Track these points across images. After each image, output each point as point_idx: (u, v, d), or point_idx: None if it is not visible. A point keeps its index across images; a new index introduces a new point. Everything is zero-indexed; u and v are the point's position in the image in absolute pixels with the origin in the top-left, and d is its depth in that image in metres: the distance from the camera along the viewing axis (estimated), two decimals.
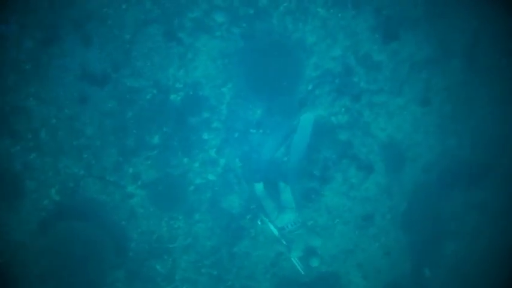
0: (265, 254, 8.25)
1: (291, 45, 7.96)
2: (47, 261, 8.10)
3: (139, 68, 7.66)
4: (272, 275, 8.37)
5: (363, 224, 8.44)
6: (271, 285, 8.46)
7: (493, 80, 8.89)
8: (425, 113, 8.76)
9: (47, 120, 7.90)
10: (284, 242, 7.31)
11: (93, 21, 7.49)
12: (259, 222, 7.81)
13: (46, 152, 7.96)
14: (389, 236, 8.75)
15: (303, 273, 7.54)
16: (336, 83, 8.16)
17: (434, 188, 9.14)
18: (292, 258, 7.46)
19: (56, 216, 8.03)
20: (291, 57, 8.02)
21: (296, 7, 8.17)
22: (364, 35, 8.22)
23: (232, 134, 8.03)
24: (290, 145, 8.13)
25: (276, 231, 7.40)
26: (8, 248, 7.96)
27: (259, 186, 7.70)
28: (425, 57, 8.72)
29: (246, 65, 7.81)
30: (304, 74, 8.06)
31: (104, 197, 8.05)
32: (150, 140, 7.84)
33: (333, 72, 8.17)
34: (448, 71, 9.06)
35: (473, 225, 9.65)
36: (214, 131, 8.00)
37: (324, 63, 8.16)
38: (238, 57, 7.86)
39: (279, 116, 7.96)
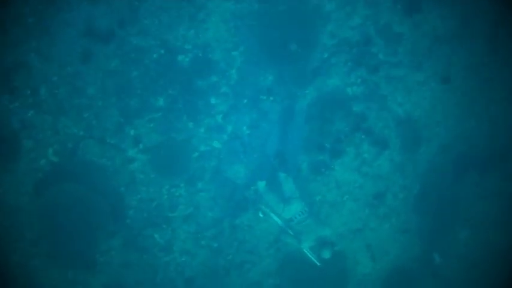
0: (269, 228, 7.75)
1: (307, 11, 7.44)
2: (41, 225, 7.73)
3: (147, 26, 7.25)
4: (276, 251, 7.92)
5: (373, 202, 7.94)
6: (274, 261, 7.99)
7: None
8: (445, 91, 8.26)
9: (48, 77, 7.49)
10: (291, 233, 7.10)
11: None
12: (260, 215, 7.44)
13: (45, 110, 7.55)
14: (401, 217, 8.25)
15: (318, 264, 7.20)
16: (353, 53, 7.69)
17: (448, 172, 8.55)
18: (305, 250, 7.13)
19: (52, 178, 7.63)
20: (307, 24, 7.46)
21: None
22: (385, 5, 7.69)
23: (241, 100, 7.57)
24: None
25: (280, 221, 7.15)
26: (0, 210, 7.52)
27: (261, 184, 7.38)
28: (448, 33, 8.13)
29: (260, 28, 7.36)
30: (319, 41, 7.53)
31: (103, 161, 7.67)
32: (154, 102, 7.38)
33: (351, 42, 7.71)
34: (471, 49, 8.64)
35: (487, 213, 9.28)
36: (222, 96, 7.53)
37: (342, 31, 7.69)
38: (252, 21, 7.45)
39: (291, 83, 7.39)
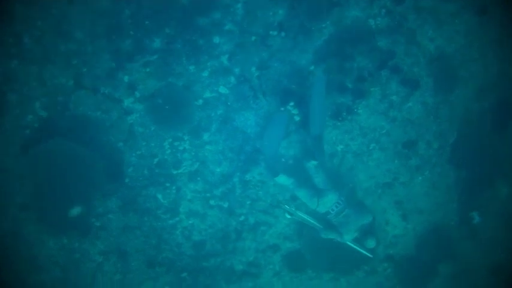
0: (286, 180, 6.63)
1: None
2: (31, 188, 6.98)
3: None
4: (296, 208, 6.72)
5: (404, 152, 6.80)
6: (292, 222, 6.82)
7: None
8: (482, 24, 6.91)
9: (31, 22, 6.60)
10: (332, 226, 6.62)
11: None
12: (287, 216, 6.76)
13: (30, 59, 6.69)
14: (435, 170, 7.07)
15: (371, 256, 7.01)
16: None
17: (488, 119, 7.27)
18: (350, 244, 6.78)
19: (41, 135, 6.79)
20: None
21: None
22: None
23: (249, 37, 6.48)
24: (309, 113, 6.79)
25: (308, 218, 6.68)
26: None
27: (281, 179, 6.65)
28: None
29: None
30: None
31: (98, 114, 6.93)
32: (149, 43, 6.38)
33: None
34: None
35: None
36: (227, 34, 6.68)
37: None
38: None
39: (305, 17, 6.20)
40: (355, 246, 6.83)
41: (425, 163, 7.21)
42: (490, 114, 7.78)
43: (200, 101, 6.80)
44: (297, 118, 6.71)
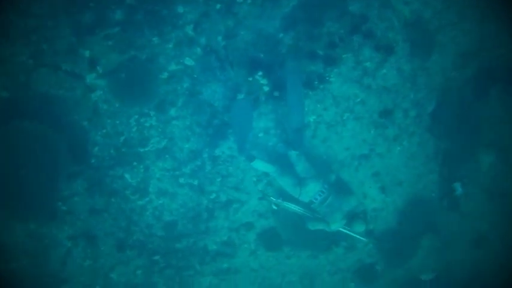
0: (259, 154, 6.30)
1: None
2: None
3: None
4: (267, 185, 6.34)
5: (380, 121, 6.42)
6: (266, 188, 6.48)
7: None
8: None
9: None
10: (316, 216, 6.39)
11: None
12: (274, 207, 6.56)
13: None
14: (414, 140, 6.70)
15: (365, 240, 6.96)
16: None
17: (468, 86, 6.92)
18: (342, 230, 6.56)
19: (2, 116, 6.46)
20: None
21: None
22: None
23: (214, 5, 6.17)
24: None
25: (297, 208, 6.42)
26: None
27: (258, 164, 6.33)
28: None
29: None
30: None
31: (61, 92, 6.66)
32: (110, 15, 5.90)
33: None
34: None
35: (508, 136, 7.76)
36: (191, 3, 6.36)
37: None
38: None
39: None
40: (346, 232, 6.64)
41: (403, 132, 6.87)
42: (470, 81, 7.37)
43: (165, 74, 6.46)
44: (266, 88, 6.32)
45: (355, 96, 6.64)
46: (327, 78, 6.44)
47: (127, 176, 6.78)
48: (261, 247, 7.23)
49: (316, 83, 6.41)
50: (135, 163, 6.75)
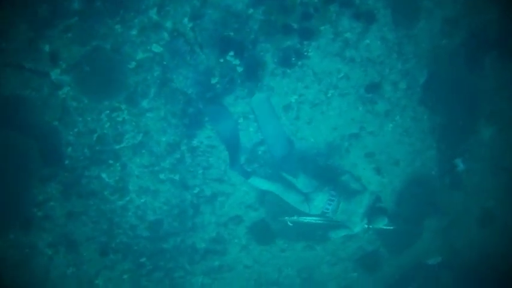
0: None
1: None
2: None
3: None
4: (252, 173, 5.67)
5: (367, 97, 5.66)
6: (252, 188, 5.74)
7: None
8: None
9: None
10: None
11: None
12: (290, 224, 5.97)
13: None
14: (407, 114, 5.92)
15: (392, 228, 6.01)
16: None
17: (461, 55, 6.12)
18: (371, 227, 5.90)
19: None
20: None
21: None
22: None
23: None
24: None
25: (314, 220, 5.86)
26: None
27: (255, 181, 5.82)
28: None
29: None
30: None
31: (28, 92, 6.03)
32: (67, 5, 5.22)
33: None
34: None
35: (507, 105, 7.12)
36: None
37: None
38: None
39: None
40: (377, 228, 5.98)
41: (394, 107, 6.10)
42: (462, 50, 6.58)
43: (133, 64, 5.82)
44: (239, 69, 5.60)
45: (337, 71, 5.91)
46: (305, 53, 5.71)
47: (104, 175, 6.16)
48: (252, 241, 6.56)
49: (293, 59, 5.70)
50: (111, 161, 6.13)
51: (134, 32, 5.83)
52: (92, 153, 6.19)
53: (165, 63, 5.94)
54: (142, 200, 6.38)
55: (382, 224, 5.71)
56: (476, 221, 7.20)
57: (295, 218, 5.80)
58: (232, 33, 5.80)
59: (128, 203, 6.37)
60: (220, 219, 6.50)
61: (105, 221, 6.36)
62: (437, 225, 6.90)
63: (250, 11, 5.82)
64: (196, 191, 6.32)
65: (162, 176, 6.29)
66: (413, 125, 6.47)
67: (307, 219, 5.82)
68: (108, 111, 6.03)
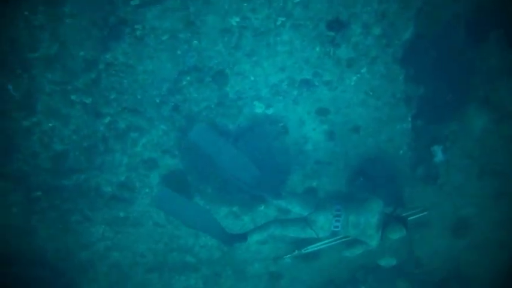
0: (162, 65, 3.92)
1: None
2: None
3: None
4: (173, 110, 3.94)
5: (328, 35, 3.79)
6: (173, 127, 4.02)
7: None
8: None
9: None
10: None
11: None
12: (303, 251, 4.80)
13: None
14: (376, 69, 4.15)
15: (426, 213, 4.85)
16: None
17: (462, 21, 4.32)
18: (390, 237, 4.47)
19: None
20: None
21: None
22: None
23: None
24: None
25: (326, 243, 4.68)
26: None
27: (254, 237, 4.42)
28: None
29: None
30: None
31: None
32: None
33: None
34: None
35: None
36: None
37: None
38: None
39: None
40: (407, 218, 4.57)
41: (361, 56, 4.30)
42: (467, 14, 4.77)
43: None
44: None
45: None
46: None
47: (10, 86, 4.53)
48: None
49: None
50: (19, 71, 4.51)
51: None
52: (3, 59, 4.61)
53: None
54: (50, 125, 4.80)
55: (399, 236, 4.38)
56: (450, 228, 5.18)
57: (305, 249, 4.63)
58: None
59: (34, 126, 4.83)
60: (132, 161, 4.77)
61: (3, 140, 4.73)
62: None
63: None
64: (107, 120, 4.62)
65: (73, 97, 4.68)
66: (383, 85, 4.63)
67: (319, 246, 4.67)
68: (26, 13, 4.48)
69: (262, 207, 5.18)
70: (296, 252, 4.69)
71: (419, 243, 5.50)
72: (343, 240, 4.61)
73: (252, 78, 4.70)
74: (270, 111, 4.81)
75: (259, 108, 4.77)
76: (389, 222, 4.36)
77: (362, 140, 5.02)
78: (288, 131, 4.87)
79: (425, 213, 4.84)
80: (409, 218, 4.54)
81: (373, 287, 5.65)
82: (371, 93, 4.83)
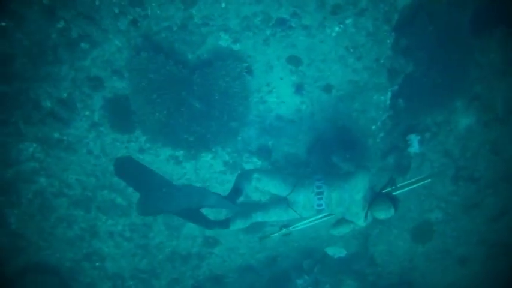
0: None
1: None
2: None
3: None
4: (132, 23, 3.27)
5: None
6: (126, 45, 3.31)
7: None
8: None
9: None
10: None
11: None
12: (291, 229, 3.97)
13: None
14: (363, 25, 3.36)
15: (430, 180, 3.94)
16: None
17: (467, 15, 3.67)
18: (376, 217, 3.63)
19: None
20: None
21: None
22: None
23: None
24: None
25: (312, 220, 3.88)
26: None
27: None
28: None
29: None
30: None
31: None
32: None
33: None
34: None
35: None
36: None
37: None
38: None
39: None
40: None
41: (349, 5, 3.46)
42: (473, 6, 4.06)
43: None
44: None
45: None
46: None
47: None
48: (105, 121, 3.89)
49: None
50: None
51: None
52: None
53: None
54: (3, 24, 3.98)
55: (387, 216, 3.51)
56: (410, 230, 4.23)
57: (291, 227, 3.89)
58: None
59: None
60: (77, 76, 3.97)
61: None
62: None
63: None
64: (61, 25, 3.85)
65: None
66: (368, 44, 3.81)
67: (305, 223, 3.92)
68: None
69: (209, 158, 4.30)
70: (284, 230, 3.91)
71: (375, 240, 4.54)
72: (331, 216, 3.78)
73: (224, 4, 3.91)
74: (236, 47, 4.02)
75: (224, 41, 3.98)
76: (376, 200, 3.50)
77: (332, 103, 4.16)
78: (252, 74, 4.04)
79: (429, 180, 3.93)
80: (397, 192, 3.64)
81: (318, 279, 4.69)
82: (352, 51, 4.01)
